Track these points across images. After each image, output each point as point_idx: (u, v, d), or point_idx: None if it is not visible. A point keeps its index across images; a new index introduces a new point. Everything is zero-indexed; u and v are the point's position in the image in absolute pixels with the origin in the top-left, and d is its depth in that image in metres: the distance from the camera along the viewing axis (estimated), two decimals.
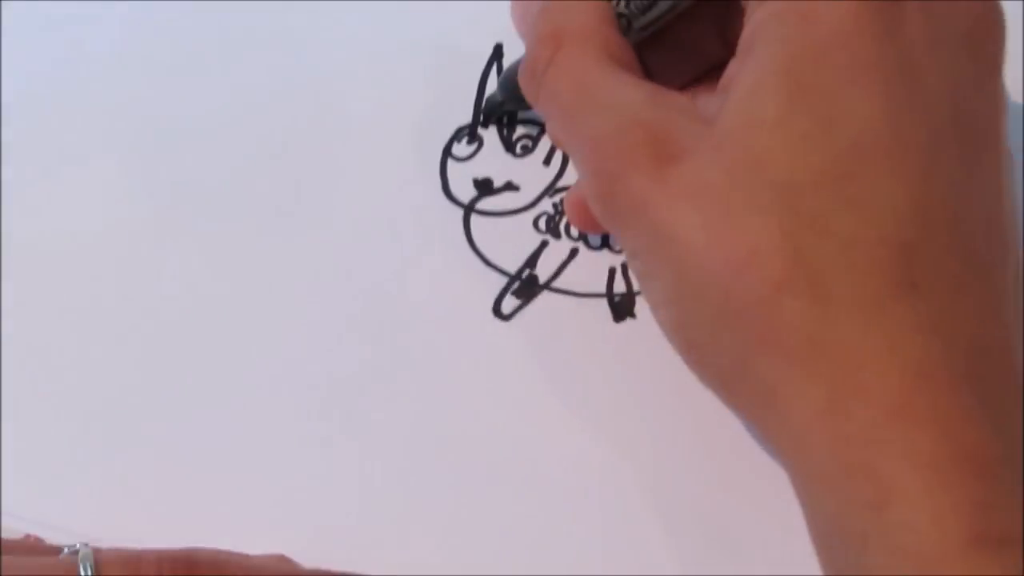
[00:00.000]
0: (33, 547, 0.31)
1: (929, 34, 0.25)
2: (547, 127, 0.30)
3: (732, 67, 0.27)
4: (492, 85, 0.37)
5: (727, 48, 0.28)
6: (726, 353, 0.25)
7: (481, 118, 0.36)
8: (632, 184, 0.26)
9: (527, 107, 0.32)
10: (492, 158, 0.36)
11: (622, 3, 0.29)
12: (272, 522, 0.32)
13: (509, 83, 0.34)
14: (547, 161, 0.36)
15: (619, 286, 0.34)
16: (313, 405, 0.33)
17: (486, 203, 0.36)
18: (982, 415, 0.23)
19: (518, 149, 0.36)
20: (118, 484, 0.33)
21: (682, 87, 0.31)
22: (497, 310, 0.34)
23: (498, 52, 0.37)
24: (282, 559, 0.31)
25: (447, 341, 0.34)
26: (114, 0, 0.40)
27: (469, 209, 0.35)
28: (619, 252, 0.34)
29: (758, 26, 0.26)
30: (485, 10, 0.38)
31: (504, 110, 0.36)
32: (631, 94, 0.27)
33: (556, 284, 0.34)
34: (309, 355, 0.34)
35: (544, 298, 0.34)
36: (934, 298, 0.23)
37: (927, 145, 0.24)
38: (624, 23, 0.29)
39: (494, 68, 0.37)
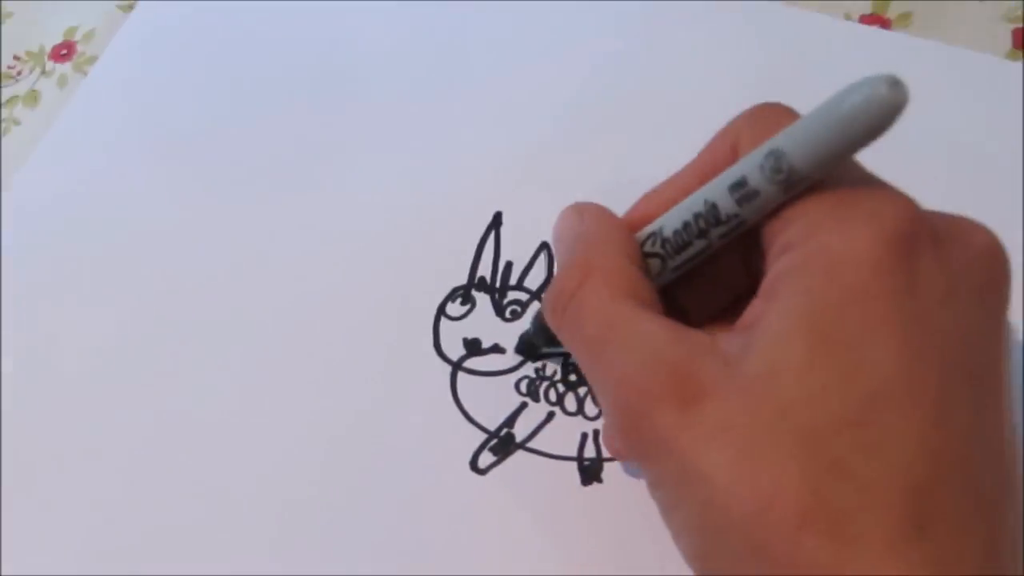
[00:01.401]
0: None
1: (943, 288, 0.27)
2: (573, 357, 0.31)
3: (755, 308, 0.28)
4: (489, 250, 0.40)
5: (750, 278, 0.29)
6: None
7: (516, 350, 0.38)
8: (657, 422, 0.27)
9: (559, 344, 0.32)
10: (482, 320, 0.39)
11: (657, 244, 0.30)
12: None
13: (540, 320, 0.35)
14: (533, 328, 0.38)
15: (589, 451, 0.36)
16: (290, 535, 0.35)
17: (473, 362, 0.38)
18: None
19: (507, 313, 0.39)
20: None
21: (707, 318, 0.32)
22: (474, 464, 0.36)
23: (497, 219, 0.40)
24: None
25: (425, 489, 0.36)
26: None
27: (457, 366, 0.38)
28: (592, 419, 0.36)
29: (782, 273, 0.27)
30: (490, 178, 0.41)
31: (538, 348, 0.37)
32: (654, 332, 0.28)
33: (531, 444, 0.36)
34: (289, 490, 0.36)
35: (519, 456, 0.36)
36: (942, 538, 0.25)
37: (938, 393, 0.26)
38: (658, 263, 0.30)
39: (492, 234, 0.40)
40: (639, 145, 0.41)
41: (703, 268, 0.31)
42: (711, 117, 0.31)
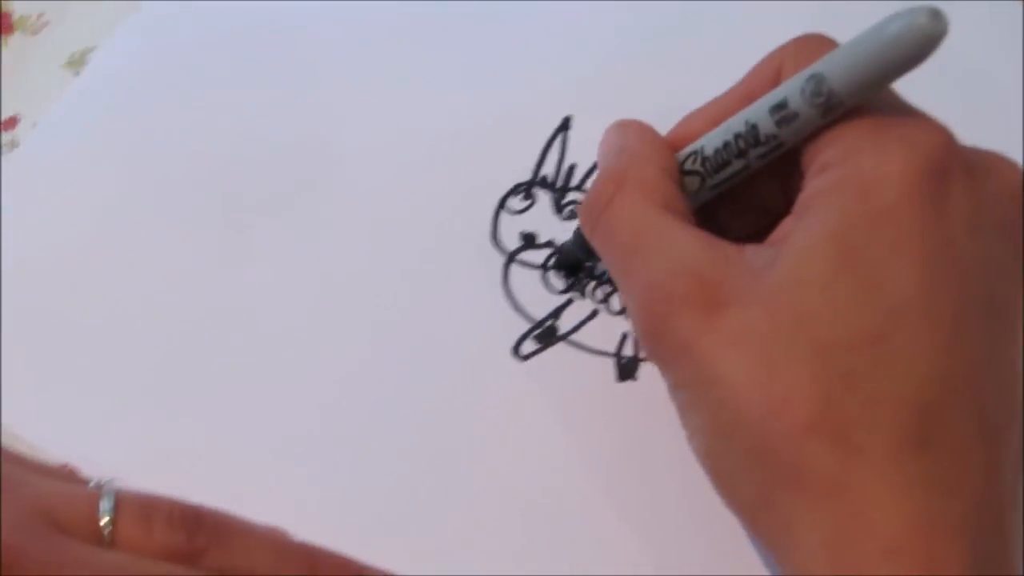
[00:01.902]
0: (68, 476, 0.35)
1: (971, 218, 0.27)
2: (603, 261, 0.32)
3: (787, 224, 0.29)
4: (555, 151, 0.41)
5: (788, 202, 0.29)
6: (753, 485, 0.27)
7: (553, 262, 0.39)
8: (679, 324, 0.28)
9: (597, 258, 0.34)
10: (541, 216, 0.40)
11: (697, 162, 0.31)
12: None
13: (579, 233, 0.36)
14: None
15: (628, 350, 0.37)
16: (328, 413, 0.37)
17: (528, 255, 0.39)
18: (972, 563, 0.25)
19: (566, 213, 0.40)
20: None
21: (744, 239, 0.31)
22: (517, 350, 0.37)
23: (565, 124, 0.41)
24: (280, 530, 0.34)
25: (469, 368, 0.37)
26: None
27: (511, 257, 0.39)
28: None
29: (817, 192, 0.28)
30: (561, 85, 0.41)
31: (579, 261, 0.38)
32: (684, 240, 0.29)
33: (573, 337, 0.37)
34: (343, 362, 0.38)
35: (560, 348, 0.37)
36: (943, 456, 0.26)
37: (956, 318, 0.26)
38: (697, 181, 0.31)
39: (559, 137, 0.41)
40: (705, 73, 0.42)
41: (742, 190, 0.31)
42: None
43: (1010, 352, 0.28)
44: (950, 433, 0.26)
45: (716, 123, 0.31)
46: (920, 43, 0.25)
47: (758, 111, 0.29)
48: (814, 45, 0.30)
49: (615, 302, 0.38)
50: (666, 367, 0.29)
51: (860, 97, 0.27)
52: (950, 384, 0.26)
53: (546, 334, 0.37)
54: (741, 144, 0.30)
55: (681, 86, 0.38)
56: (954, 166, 0.27)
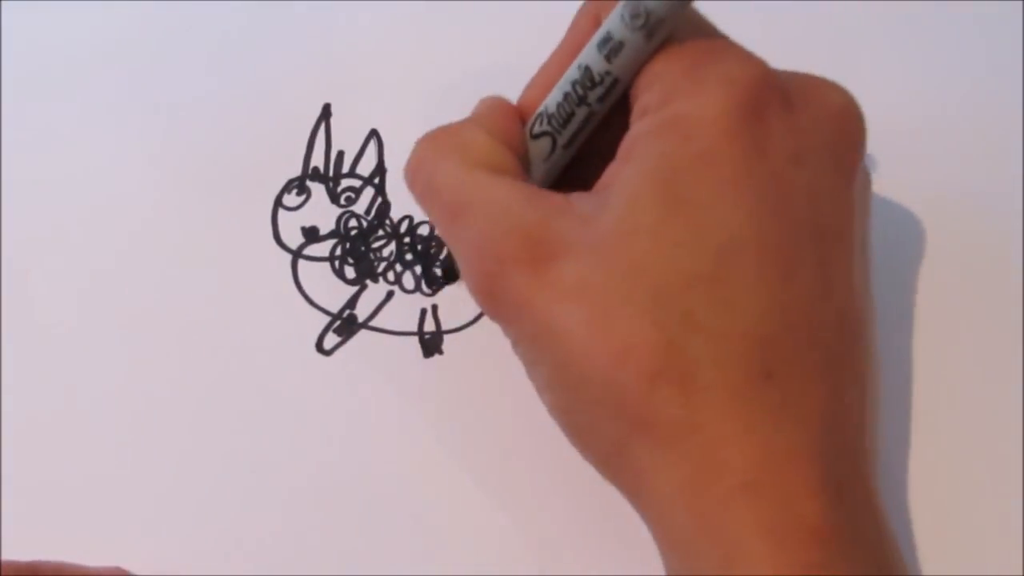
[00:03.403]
0: None
1: (793, 148, 0.28)
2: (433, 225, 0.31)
3: (612, 169, 0.28)
4: (320, 142, 0.41)
5: None
6: (605, 436, 0.27)
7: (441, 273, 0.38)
8: (511, 283, 0.28)
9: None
10: (319, 208, 0.40)
11: (544, 122, 0.31)
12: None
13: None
14: (368, 211, 0.40)
15: (429, 325, 0.38)
16: (140, 426, 0.36)
17: (312, 249, 0.39)
18: (826, 488, 0.25)
19: (343, 200, 0.40)
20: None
21: None
22: (320, 346, 0.38)
23: (326, 111, 0.41)
24: (119, 570, 0.33)
25: (275, 372, 0.37)
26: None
27: (297, 254, 0.39)
28: (429, 295, 0.38)
29: (640, 135, 0.28)
30: (318, 71, 0.41)
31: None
32: (508, 196, 0.28)
33: (373, 323, 0.38)
34: (143, 381, 0.37)
35: (362, 335, 0.38)
36: (788, 385, 0.26)
37: (788, 250, 0.27)
38: (549, 142, 0.31)
39: (322, 125, 0.41)
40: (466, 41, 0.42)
41: (603, 145, 0.31)
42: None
43: (846, 276, 0.28)
44: (792, 363, 0.26)
45: (555, 83, 0.31)
46: None
47: (587, 52, 0.30)
48: None
49: (408, 281, 0.38)
50: (505, 325, 0.29)
51: (675, 8, 0.28)
52: (788, 315, 0.26)
53: (346, 324, 0.38)
54: (579, 90, 0.30)
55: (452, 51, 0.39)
56: (772, 99, 0.28)
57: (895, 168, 0.38)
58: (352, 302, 0.38)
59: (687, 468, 0.26)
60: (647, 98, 0.29)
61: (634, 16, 0.28)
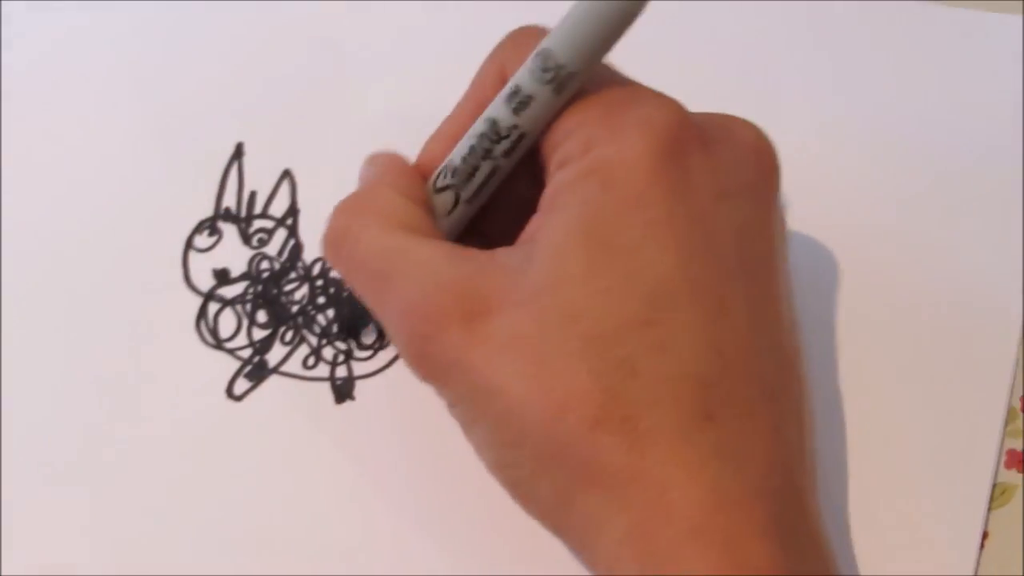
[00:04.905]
0: None
1: (715, 186, 0.28)
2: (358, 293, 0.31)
3: (534, 223, 0.28)
4: (232, 182, 0.40)
5: None
6: (549, 489, 0.27)
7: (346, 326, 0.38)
8: (445, 343, 0.27)
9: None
10: (230, 250, 0.39)
11: (448, 176, 0.31)
12: None
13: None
14: (280, 253, 0.39)
15: (341, 371, 0.38)
16: (52, 470, 0.36)
17: (224, 292, 0.39)
18: (773, 528, 0.25)
19: (255, 241, 0.40)
20: None
21: None
22: (231, 391, 0.37)
23: (238, 151, 0.41)
24: None
25: (185, 418, 0.37)
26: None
27: (208, 297, 0.39)
28: (342, 339, 0.38)
29: (560, 186, 0.28)
30: (228, 112, 0.41)
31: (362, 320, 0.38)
32: (432, 257, 0.28)
33: (284, 368, 0.38)
34: (58, 429, 0.36)
35: (273, 380, 0.37)
36: (729, 425, 0.26)
37: (718, 288, 0.27)
38: (452, 195, 0.31)
39: (235, 165, 0.41)
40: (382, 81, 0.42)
41: (509, 199, 0.31)
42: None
43: (774, 310, 0.29)
44: (733, 402, 0.26)
45: (458, 137, 0.31)
46: (630, 2, 0.27)
47: (495, 105, 0.29)
48: (531, 35, 0.30)
49: (320, 325, 0.38)
50: (440, 387, 0.29)
51: (587, 65, 0.28)
52: (723, 354, 0.27)
53: (257, 369, 0.38)
54: (485, 144, 0.30)
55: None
56: (691, 139, 0.28)
57: (805, 202, 0.38)
58: (264, 346, 0.38)
59: (633, 515, 0.26)
60: (566, 148, 0.29)
61: (544, 70, 0.28)
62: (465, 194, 0.31)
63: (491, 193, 0.31)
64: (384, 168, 0.32)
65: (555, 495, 0.27)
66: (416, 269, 0.28)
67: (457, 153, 0.31)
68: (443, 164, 0.31)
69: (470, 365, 0.27)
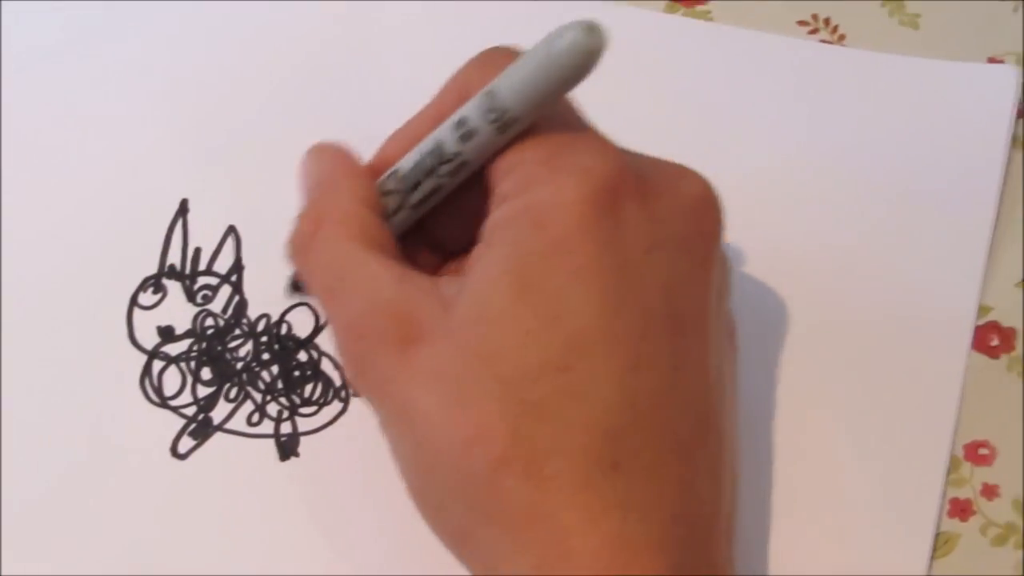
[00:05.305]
0: None
1: (648, 239, 0.28)
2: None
3: (474, 254, 0.29)
4: (177, 238, 0.40)
5: None
6: (456, 519, 0.28)
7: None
8: (379, 363, 0.28)
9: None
10: (175, 307, 0.39)
11: (395, 182, 0.31)
12: None
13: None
14: (225, 309, 0.39)
15: (285, 428, 0.38)
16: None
17: (168, 348, 0.39)
18: None
19: (199, 298, 0.39)
20: None
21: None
22: (175, 450, 0.37)
23: (183, 208, 0.41)
24: None
25: (127, 477, 0.37)
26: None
27: (152, 355, 0.38)
28: (285, 396, 0.38)
29: (496, 223, 0.28)
30: (173, 168, 0.41)
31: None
32: (379, 275, 0.29)
33: (229, 425, 0.38)
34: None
35: (218, 438, 0.37)
36: (635, 475, 0.26)
37: (638, 340, 0.27)
38: (397, 199, 0.31)
39: (180, 221, 0.40)
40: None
41: (461, 202, 0.31)
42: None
43: (699, 367, 0.29)
44: (640, 454, 0.27)
45: (416, 141, 0.31)
46: (580, 58, 0.27)
47: (444, 128, 0.30)
48: (497, 59, 0.30)
49: (264, 382, 0.38)
50: (374, 404, 0.30)
51: (532, 112, 0.28)
52: (636, 406, 0.27)
53: (201, 427, 0.37)
54: (430, 162, 0.30)
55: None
56: (627, 188, 0.28)
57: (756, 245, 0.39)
58: (208, 404, 0.38)
59: (533, 557, 0.26)
60: (505, 185, 0.29)
61: (489, 110, 0.28)
62: (408, 202, 0.31)
63: (436, 205, 0.31)
64: (336, 168, 0.32)
65: (461, 525, 0.28)
66: (363, 285, 0.29)
67: (406, 163, 0.31)
68: (393, 168, 0.31)
69: (397, 387, 0.28)
